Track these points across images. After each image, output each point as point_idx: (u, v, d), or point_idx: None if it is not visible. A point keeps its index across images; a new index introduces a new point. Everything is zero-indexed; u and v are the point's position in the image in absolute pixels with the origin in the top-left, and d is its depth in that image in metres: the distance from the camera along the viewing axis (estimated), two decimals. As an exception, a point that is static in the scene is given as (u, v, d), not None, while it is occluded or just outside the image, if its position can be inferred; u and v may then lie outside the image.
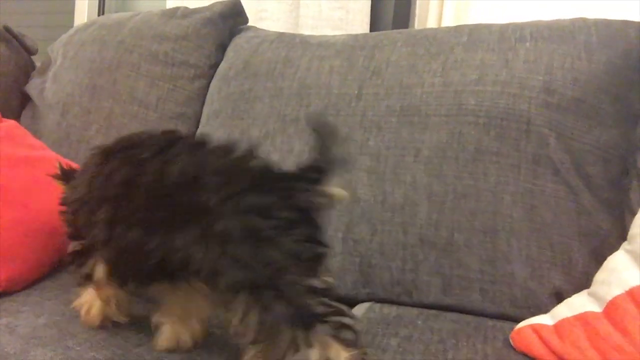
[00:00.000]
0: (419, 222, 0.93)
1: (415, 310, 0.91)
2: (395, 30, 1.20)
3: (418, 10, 1.53)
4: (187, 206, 0.58)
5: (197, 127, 1.28)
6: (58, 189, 0.92)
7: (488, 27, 1.05)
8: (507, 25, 1.03)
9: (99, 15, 1.91)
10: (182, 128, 1.28)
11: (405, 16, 1.52)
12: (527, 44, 0.98)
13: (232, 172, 0.61)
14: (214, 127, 1.22)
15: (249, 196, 0.58)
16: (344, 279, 0.98)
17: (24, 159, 1.00)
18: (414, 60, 1.04)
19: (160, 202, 0.60)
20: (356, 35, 1.21)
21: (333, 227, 0.99)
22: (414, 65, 1.03)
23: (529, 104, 0.93)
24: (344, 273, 0.98)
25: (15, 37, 1.45)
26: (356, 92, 1.05)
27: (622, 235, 0.84)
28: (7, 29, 1.43)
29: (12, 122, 1.08)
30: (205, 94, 1.30)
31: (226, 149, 0.65)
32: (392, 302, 0.95)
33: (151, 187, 0.61)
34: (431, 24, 1.45)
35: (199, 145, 0.66)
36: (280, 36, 1.27)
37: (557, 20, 1.01)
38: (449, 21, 1.45)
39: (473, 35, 1.04)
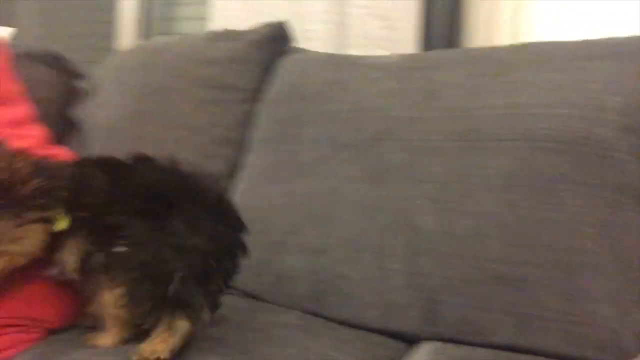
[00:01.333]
0: (489, 256, 0.87)
1: (485, 352, 0.84)
2: (450, 50, 1.15)
3: (468, 27, 1.47)
4: None
5: (244, 151, 1.24)
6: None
7: (556, 45, 0.98)
8: (578, 43, 0.96)
9: (140, 37, 1.91)
10: (230, 153, 1.24)
11: (455, 32, 1.46)
12: (601, 62, 0.92)
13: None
14: (262, 152, 1.18)
15: None
16: (405, 314, 0.92)
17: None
18: (475, 81, 0.98)
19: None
20: (410, 55, 1.17)
21: (394, 259, 0.94)
22: (476, 86, 0.97)
23: (607, 128, 0.86)
24: (405, 308, 0.92)
25: (60, 62, 1.45)
26: (415, 115, 1.00)
27: None
28: (53, 54, 1.43)
29: (63, 149, 1.06)
30: (252, 118, 1.26)
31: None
32: (460, 342, 0.88)
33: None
34: (482, 42, 1.39)
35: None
36: (329, 58, 1.23)
37: (633, 36, 0.94)
38: (501, 38, 1.39)
39: (539, 54, 0.98)
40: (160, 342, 0.70)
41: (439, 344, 0.88)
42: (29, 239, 0.71)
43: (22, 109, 1.06)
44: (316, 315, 1.00)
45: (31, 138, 1.01)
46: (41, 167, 0.74)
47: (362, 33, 1.45)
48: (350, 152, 1.04)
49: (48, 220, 0.73)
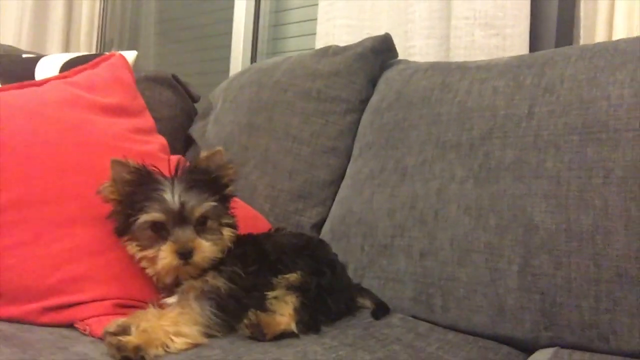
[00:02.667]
0: (615, 253, 0.80)
1: (614, 360, 0.76)
2: (565, 47, 1.09)
3: (583, 33, 1.40)
4: None
5: (349, 160, 1.26)
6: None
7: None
8: None
9: (251, 61, 2.02)
10: (334, 162, 1.26)
11: (568, 39, 1.39)
12: None
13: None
14: (366, 159, 1.18)
15: None
16: (520, 318, 0.86)
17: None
18: (594, 73, 0.92)
19: None
20: (520, 56, 1.12)
21: (506, 259, 0.89)
22: (595, 78, 0.91)
23: None
24: (520, 312, 0.86)
25: (181, 84, 1.57)
26: (526, 111, 0.95)
27: None
28: (175, 77, 1.55)
29: (179, 157, 1.13)
30: (357, 128, 1.28)
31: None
32: (582, 348, 0.81)
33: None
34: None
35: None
36: (434, 65, 1.22)
37: None
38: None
39: (664, 43, 0.90)
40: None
41: (559, 350, 0.81)
42: (227, 233, 0.89)
43: (146, 120, 1.16)
44: (421, 319, 0.96)
45: (155, 144, 1.09)
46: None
47: (468, 44, 1.42)
48: (456, 153, 1.01)
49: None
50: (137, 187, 0.84)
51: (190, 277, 0.82)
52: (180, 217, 0.81)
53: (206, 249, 0.82)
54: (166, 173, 0.87)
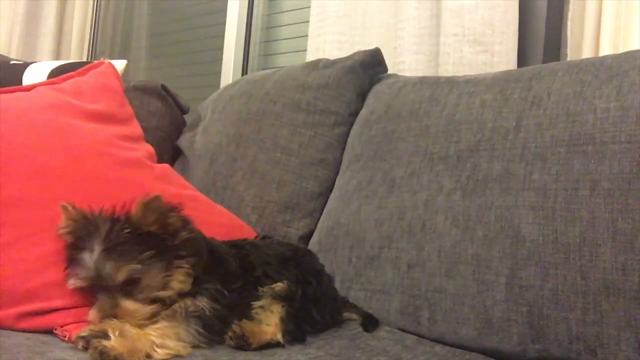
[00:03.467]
0: (602, 265, 0.79)
1: (602, 372, 0.76)
2: (552, 63, 1.11)
3: (569, 51, 1.42)
4: None
5: (337, 172, 1.25)
6: (206, 225, 0.92)
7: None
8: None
9: (242, 75, 2.02)
10: (323, 173, 1.26)
11: (555, 56, 1.41)
12: None
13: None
14: (355, 171, 1.18)
15: None
16: (508, 331, 0.86)
17: (176, 196, 1.02)
18: (580, 87, 0.93)
19: None
20: (508, 71, 1.14)
21: (494, 271, 0.88)
22: (581, 92, 0.92)
23: None
24: (508, 324, 0.86)
25: (170, 95, 1.56)
26: (514, 124, 0.96)
27: None
28: (164, 88, 1.54)
29: (165, 165, 1.13)
30: (346, 140, 1.28)
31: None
32: (570, 361, 0.80)
33: None
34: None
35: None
36: (423, 79, 1.23)
37: None
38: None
39: (649, 59, 0.92)
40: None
41: (546, 364, 0.80)
42: (174, 284, 0.78)
43: (133, 128, 1.15)
44: (408, 331, 0.95)
45: (141, 152, 1.08)
46: (187, 221, 0.83)
47: (457, 60, 1.44)
48: (444, 164, 1.01)
49: (190, 266, 0.80)
50: (74, 240, 0.78)
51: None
52: (101, 283, 0.75)
53: (134, 313, 0.74)
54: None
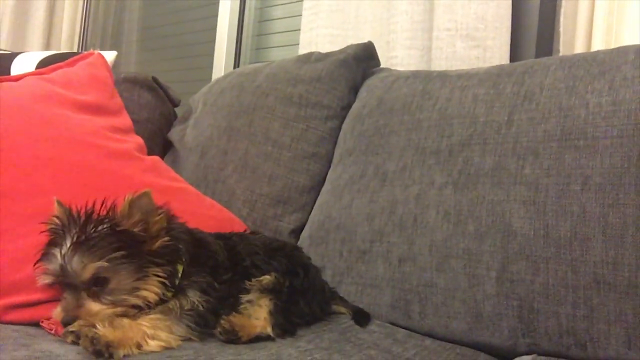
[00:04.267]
0: (592, 260, 0.80)
1: (591, 366, 0.76)
2: (544, 57, 1.11)
3: (562, 47, 1.42)
4: None
5: (329, 165, 1.25)
6: (196, 218, 0.92)
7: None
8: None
9: (234, 68, 2.01)
10: (314, 167, 1.25)
11: (547, 52, 1.41)
12: None
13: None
14: (346, 165, 1.18)
15: None
16: (498, 325, 0.86)
17: (166, 188, 1.01)
18: (572, 82, 0.93)
19: None
20: (500, 65, 1.13)
21: (484, 265, 0.88)
22: (574, 86, 0.92)
23: None
24: (498, 318, 0.86)
25: (161, 87, 1.55)
26: (506, 118, 0.96)
27: None
28: (155, 80, 1.53)
29: (155, 158, 1.12)
30: (338, 134, 1.27)
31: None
32: (560, 355, 0.81)
33: None
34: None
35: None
36: (415, 73, 1.23)
37: None
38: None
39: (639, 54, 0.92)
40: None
41: (537, 358, 0.80)
42: (145, 292, 0.73)
43: (123, 120, 1.14)
44: (399, 325, 0.95)
45: (131, 144, 1.07)
46: (172, 226, 0.79)
47: (449, 55, 1.43)
48: (436, 159, 1.01)
49: (166, 276, 0.75)
50: (53, 235, 0.75)
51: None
52: (68, 279, 0.71)
53: (96, 315, 0.70)
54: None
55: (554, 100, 0.92)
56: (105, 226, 0.73)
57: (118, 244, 0.72)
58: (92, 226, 0.73)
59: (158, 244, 0.76)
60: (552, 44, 1.40)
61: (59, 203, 0.77)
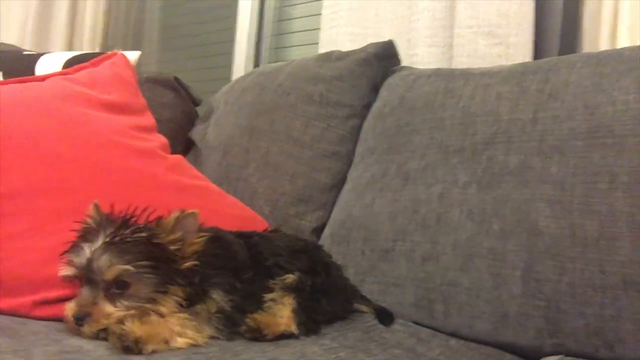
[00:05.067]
0: (620, 259, 0.78)
1: (619, 368, 0.75)
2: (569, 55, 1.09)
3: (586, 44, 1.40)
4: None
5: (350, 164, 1.24)
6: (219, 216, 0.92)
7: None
8: None
9: (254, 68, 2.01)
10: (335, 166, 1.25)
11: (571, 49, 1.39)
12: None
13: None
14: (368, 164, 1.17)
15: None
16: (524, 325, 0.85)
17: (189, 186, 1.02)
18: (599, 79, 0.92)
19: None
20: (524, 63, 1.13)
21: (510, 265, 0.87)
22: (600, 84, 0.91)
23: None
24: (524, 319, 0.85)
25: (183, 87, 1.56)
26: (531, 116, 0.95)
27: None
28: (177, 79, 1.54)
29: (178, 156, 1.13)
30: (359, 133, 1.27)
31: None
32: (587, 356, 0.79)
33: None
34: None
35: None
36: (437, 71, 1.22)
37: None
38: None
39: (669, 51, 0.90)
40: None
41: (563, 358, 0.79)
42: (160, 307, 0.73)
43: (146, 119, 1.15)
44: (422, 325, 0.95)
45: (154, 142, 1.08)
46: (206, 248, 0.77)
47: (471, 52, 1.42)
48: (459, 157, 1.00)
49: (184, 297, 0.74)
50: (85, 233, 0.75)
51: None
52: (91, 276, 0.72)
53: (109, 316, 0.70)
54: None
55: (580, 97, 0.91)
56: (142, 234, 0.74)
57: (149, 254, 0.72)
58: (129, 231, 0.73)
59: (187, 265, 0.75)
60: (576, 41, 1.39)
61: (96, 205, 0.77)
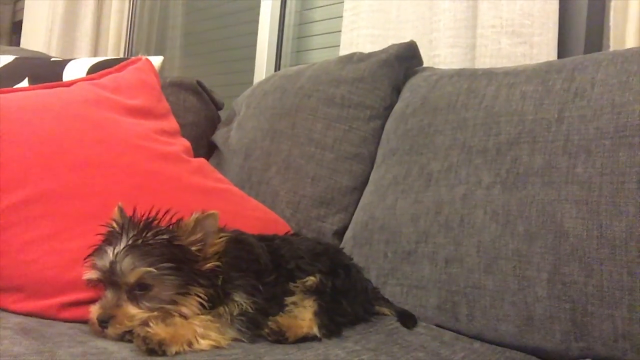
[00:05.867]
0: (650, 261, 0.76)
1: (650, 372, 0.73)
2: (595, 53, 1.07)
3: (612, 42, 1.38)
4: None
5: (372, 166, 1.24)
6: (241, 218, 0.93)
7: None
8: None
9: (275, 72, 2.02)
10: (357, 168, 1.25)
11: (597, 48, 1.37)
12: None
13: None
14: (390, 165, 1.17)
15: None
16: (550, 328, 0.83)
17: (212, 189, 1.03)
18: (626, 77, 0.90)
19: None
20: (549, 61, 1.11)
21: (535, 267, 0.86)
22: (627, 82, 0.89)
23: None
24: (550, 322, 0.83)
25: (205, 91, 1.57)
26: (556, 116, 0.93)
27: None
28: (199, 84, 1.56)
29: (202, 160, 1.13)
30: (380, 135, 1.27)
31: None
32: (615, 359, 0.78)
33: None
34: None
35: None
36: (460, 71, 1.21)
37: None
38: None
39: (701, 47, 0.88)
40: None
41: (591, 363, 0.78)
42: (183, 307, 0.73)
43: (170, 123, 1.16)
44: (446, 327, 0.94)
45: (178, 146, 1.09)
46: (228, 250, 0.78)
47: (494, 52, 1.40)
48: (483, 158, 0.99)
49: (206, 298, 0.75)
50: (109, 236, 0.76)
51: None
52: (114, 278, 0.72)
53: (133, 318, 0.71)
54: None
55: (606, 96, 0.89)
56: (164, 237, 0.74)
57: (171, 256, 0.73)
58: (151, 233, 0.74)
59: (209, 266, 0.76)
60: (602, 39, 1.36)
61: (121, 208, 0.79)
